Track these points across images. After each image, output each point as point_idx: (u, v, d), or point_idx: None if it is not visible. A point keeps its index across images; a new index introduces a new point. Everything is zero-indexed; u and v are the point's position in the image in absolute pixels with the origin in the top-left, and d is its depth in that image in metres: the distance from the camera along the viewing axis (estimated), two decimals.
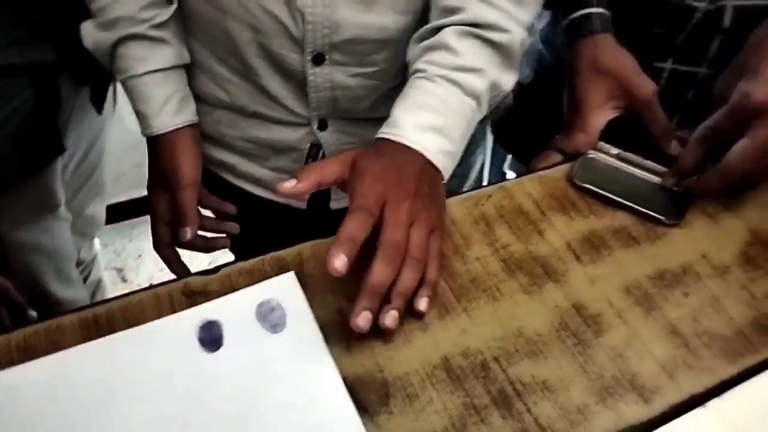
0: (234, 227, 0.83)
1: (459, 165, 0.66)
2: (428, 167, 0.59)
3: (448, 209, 0.65)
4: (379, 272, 0.53)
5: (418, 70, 0.64)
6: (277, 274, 0.58)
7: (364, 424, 0.49)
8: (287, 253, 0.60)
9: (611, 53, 0.72)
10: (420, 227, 0.56)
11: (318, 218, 0.76)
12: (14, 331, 0.54)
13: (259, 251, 0.61)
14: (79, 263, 1.26)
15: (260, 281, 0.58)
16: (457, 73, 0.62)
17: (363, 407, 0.50)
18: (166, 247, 0.79)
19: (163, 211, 0.77)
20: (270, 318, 0.56)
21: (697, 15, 0.73)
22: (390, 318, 0.53)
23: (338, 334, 0.55)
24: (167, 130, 0.73)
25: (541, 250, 0.62)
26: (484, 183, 1.10)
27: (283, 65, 0.72)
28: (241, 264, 0.59)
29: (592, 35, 0.72)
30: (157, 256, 0.80)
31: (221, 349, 0.54)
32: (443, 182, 0.61)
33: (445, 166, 0.61)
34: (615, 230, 0.64)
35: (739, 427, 0.50)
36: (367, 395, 0.51)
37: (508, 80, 0.67)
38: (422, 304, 0.55)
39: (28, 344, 0.53)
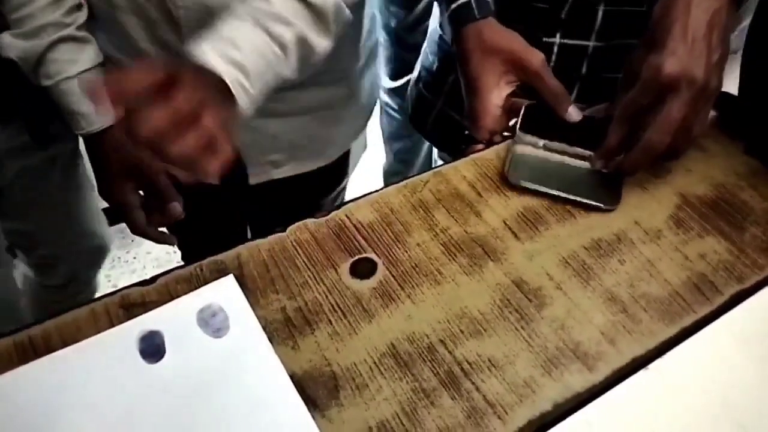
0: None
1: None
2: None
3: (386, 198, 0.64)
4: None
5: (233, 12, 0.65)
6: (216, 279, 0.57)
7: (315, 419, 0.48)
8: (225, 256, 0.59)
9: (496, 32, 0.72)
10: None
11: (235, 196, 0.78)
12: None
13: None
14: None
15: (199, 287, 0.56)
16: (266, 19, 0.64)
17: (313, 403, 0.49)
18: (147, 228, 0.82)
19: (132, 198, 0.80)
20: (212, 323, 0.54)
21: None
22: None
23: (282, 332, 0.54)
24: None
25: (480, 231, 0.62)
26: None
27: (171, 50, 0.75)
28: (178, 272, 0.58)
29: (474, 21, 0.73)
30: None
31: (164, 359, 0.52)
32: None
33: (241, 101, 0.61)
34: (550, 205, 0.64)
35: (681, 385, 0.51)
36: (315, 390, 0.50)
37: (320, 42, 0.70)
38: None
39: None
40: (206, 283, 0.57)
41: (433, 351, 0.53)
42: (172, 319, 0.54)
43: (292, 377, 0.51)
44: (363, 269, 0.59)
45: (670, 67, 0.61)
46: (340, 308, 0.56)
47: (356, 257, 0.59)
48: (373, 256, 0.60)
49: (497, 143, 0.71)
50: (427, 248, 0.61)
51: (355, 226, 0.62)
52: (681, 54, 0.61)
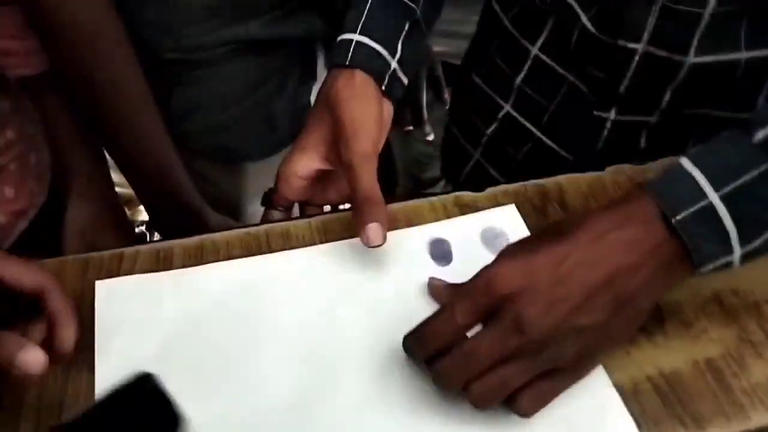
0: None
1: None
2: None
3: None
4: None
5: None
6: (540, 200, 0.59)
7: (640, 342, 0.49)
8: (547, 181, 0.60)
9: (347, 94, 0.54)
10: None
11: None
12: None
13: None
14: None
15: (521, 203, 0.58)
16: None
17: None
18: None
19: None
20: (495, 243, 0.56)
21: (635, 59, 0.58)
22: None
23: None
24: None
25: None
26: None
27: None
28: (505, 186, 0.60)
29: (339, 67, 0.56)
30: None
31: (451, 264, 0.55)
32: None
33: None
34: None
35: None
36: None
37: None
38: None
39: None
40: (527, 200, 0.59)
41: (758, 308, 0.51)
42: (459, 232, 0.56)
43: None
44: None
45: (502, 274, 0.41)
46: None
47: None
48: None
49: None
50: None
51: None
52: (531, 274, 0.41)
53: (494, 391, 0.41)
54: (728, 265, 0.42)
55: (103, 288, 0.50)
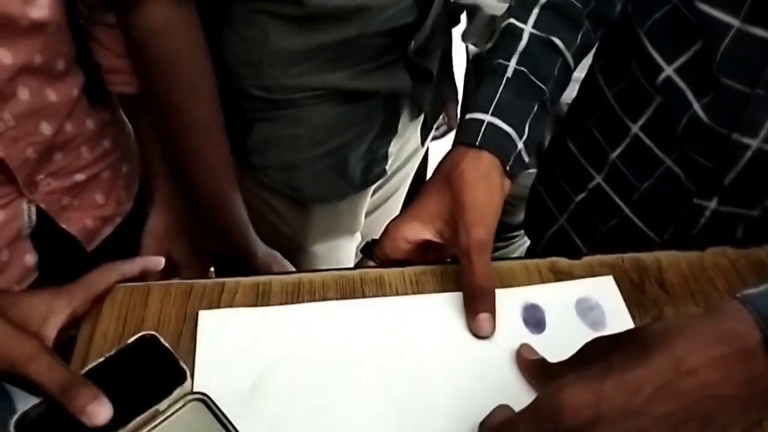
0: None
1: None
2: None
3: None
4: None
5: None
6: (637, 275, 0.58)
7: None
8: (645, 256, 0.59)
9: (473, 176, 0.54)
10: None
11: None
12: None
13: None
14: None
15: (618, 276, 0.58)
16: None
17: None
18: None
19: None
20: (590, 315, 0.55)
21: (747, 154, 0.57)
22: None
23: None
24: None
25: None
26: None
27: None
28: (602, 256, 0.59)
29: (467, 146, 0.56)
30: None
31: (544, 333, 0.54)
32: None
33: None
34: None
35: None
36: None
37: None
38: None
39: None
40: (624, 273, 0.58)
41: None
42: (554, 299, 0.56)
43: None
44: None
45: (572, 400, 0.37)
46: None
47: None
48: None
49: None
50: None
51: None
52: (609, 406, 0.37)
53: None
54: None
55: (205, 318, 0.51)
